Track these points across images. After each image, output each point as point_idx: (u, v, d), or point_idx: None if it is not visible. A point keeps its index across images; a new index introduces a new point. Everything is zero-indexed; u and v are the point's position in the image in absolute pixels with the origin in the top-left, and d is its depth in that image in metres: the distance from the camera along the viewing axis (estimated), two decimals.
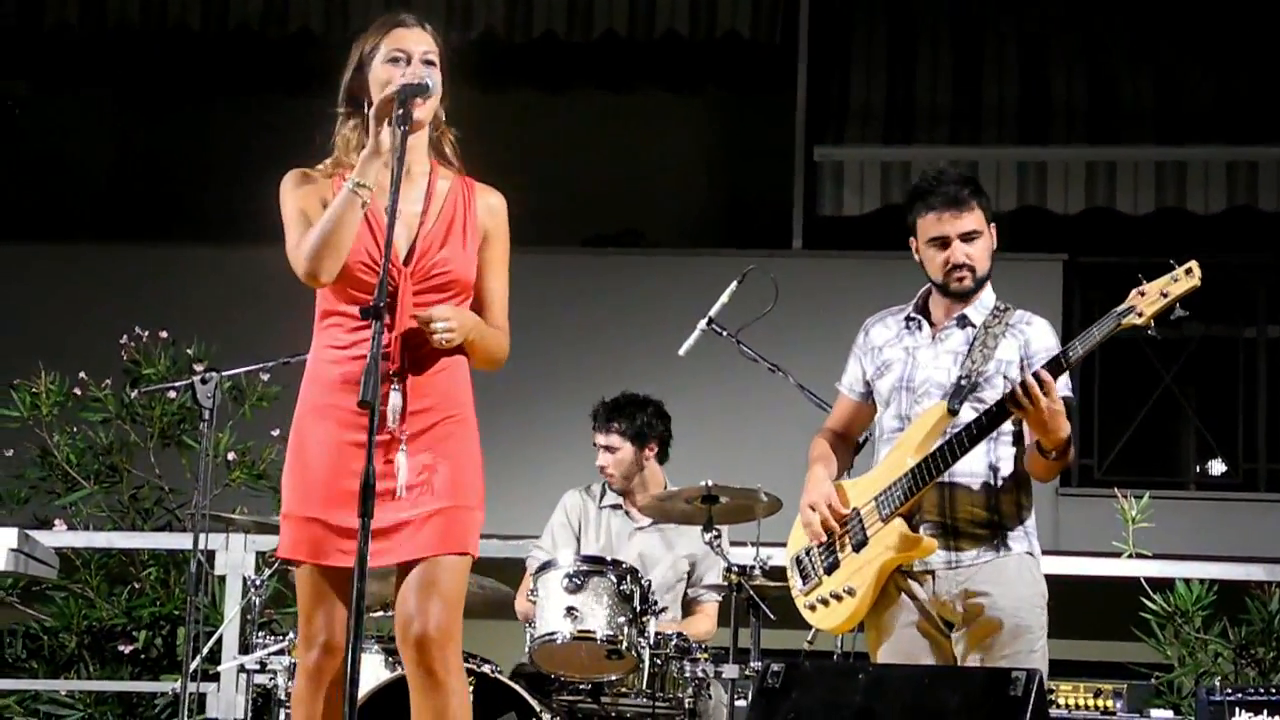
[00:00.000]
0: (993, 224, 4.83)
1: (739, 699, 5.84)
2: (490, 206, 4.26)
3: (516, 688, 5.79)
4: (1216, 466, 10.99)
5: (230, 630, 6.98)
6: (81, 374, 8.28)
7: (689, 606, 6.56)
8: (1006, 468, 4.74)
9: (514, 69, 11.63)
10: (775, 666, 4.52)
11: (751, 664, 5.78)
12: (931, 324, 4.85)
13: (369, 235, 4.08)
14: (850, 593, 4.74)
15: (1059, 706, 6.37)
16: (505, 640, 6.28)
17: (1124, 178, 11.00)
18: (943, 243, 4.77)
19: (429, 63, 4.14)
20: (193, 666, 6.42)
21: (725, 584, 5.98)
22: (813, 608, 4.85)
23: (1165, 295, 4.43)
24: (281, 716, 6.02)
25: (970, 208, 4.76)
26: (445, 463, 4.10)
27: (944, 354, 4.80)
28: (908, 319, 4.90)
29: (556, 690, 6.01)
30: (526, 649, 5.88)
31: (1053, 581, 4.85)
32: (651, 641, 5.79)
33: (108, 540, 7.87)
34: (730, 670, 5.82)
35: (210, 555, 7.06)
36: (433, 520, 4.07)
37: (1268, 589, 7.34)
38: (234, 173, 11.23)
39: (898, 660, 4.71)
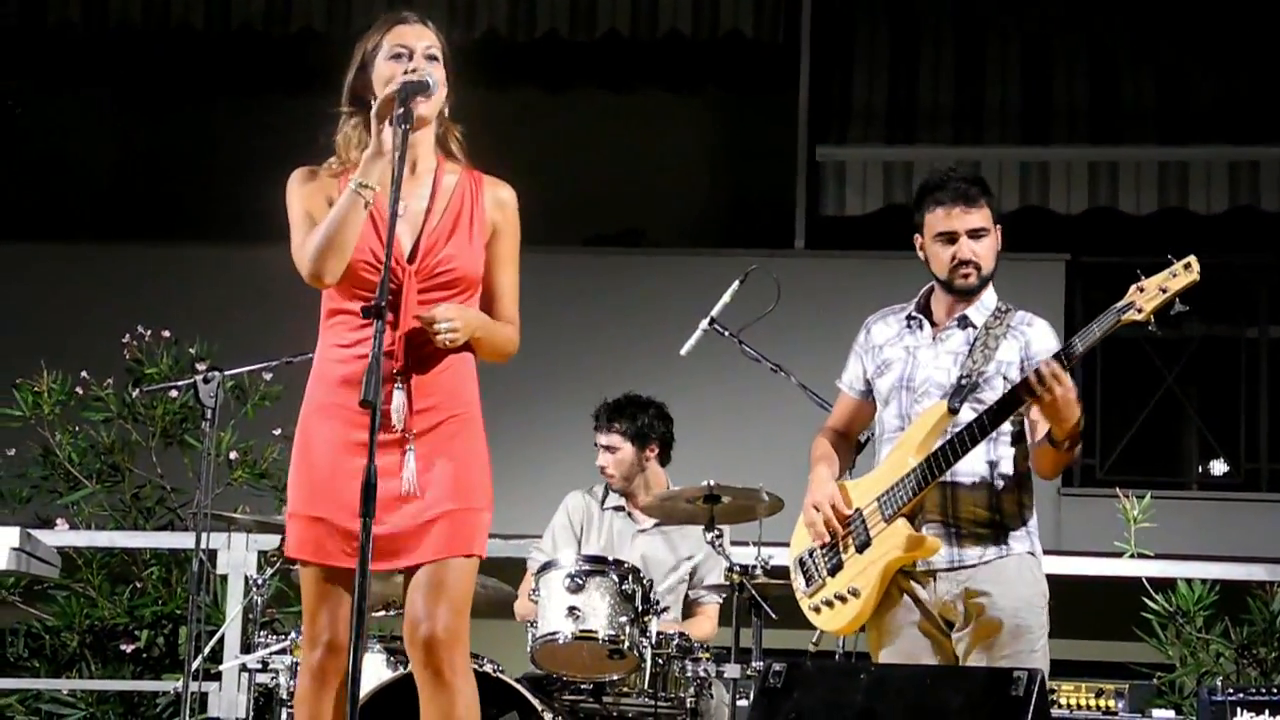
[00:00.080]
0: (999, 225, 4.84)
1: (741, 699, 5.84)
2: (499, 200, 4.24)
3: (519, 687, 5.79)
4: (1218, 466, 10.99)
5: (232, 629, 6.99)
6: (84, 373, 8.28)
7: (689, 608, 6.55)
8: (1007, 468, 4.74)
9: (516, 68, 11.63)
10: (777, 666, 4.52)
11: (753, 664, 5.77)
12: (933, 323, 4.86)
13: (373, 234, 4.06)
14: (854, 594, 4.74)
15: (1061, 706, 6.38)
16: (507, 640, 6.28)
17: (1126, 178, 11.01)
18: (950, 238, 4.77)
19: (431, 58, 4.13)
20: (194, 666, 6.42)
21: (726, 585, 5.97)
22: (817, 610, 4.85)
23: (1164, 290, 4.43)
24: (283, 716, 6.02)
25: (980, 205, 4.78)
26: (451, 463, 4.09)
27: (944, 354, 4.80)
28: (909, 318, 4.90)
29: (559, 690, 6.01)
30: (528, 649, 5.88)
31: (1054, 581, 4.85)
32: (653, 641, 5.79)
33: (110, 539, 7.88)
34: (732, 670, 5.81)
35: (212, 554, 7.07)
36: (440, 523, 4.06)
37: (1269, 589, 7.34)
38: (236, 172, 11.24)
39: (899, 660, 4.71)
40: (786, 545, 5.01)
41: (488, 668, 5.76)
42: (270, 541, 6.72)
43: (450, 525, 4.06)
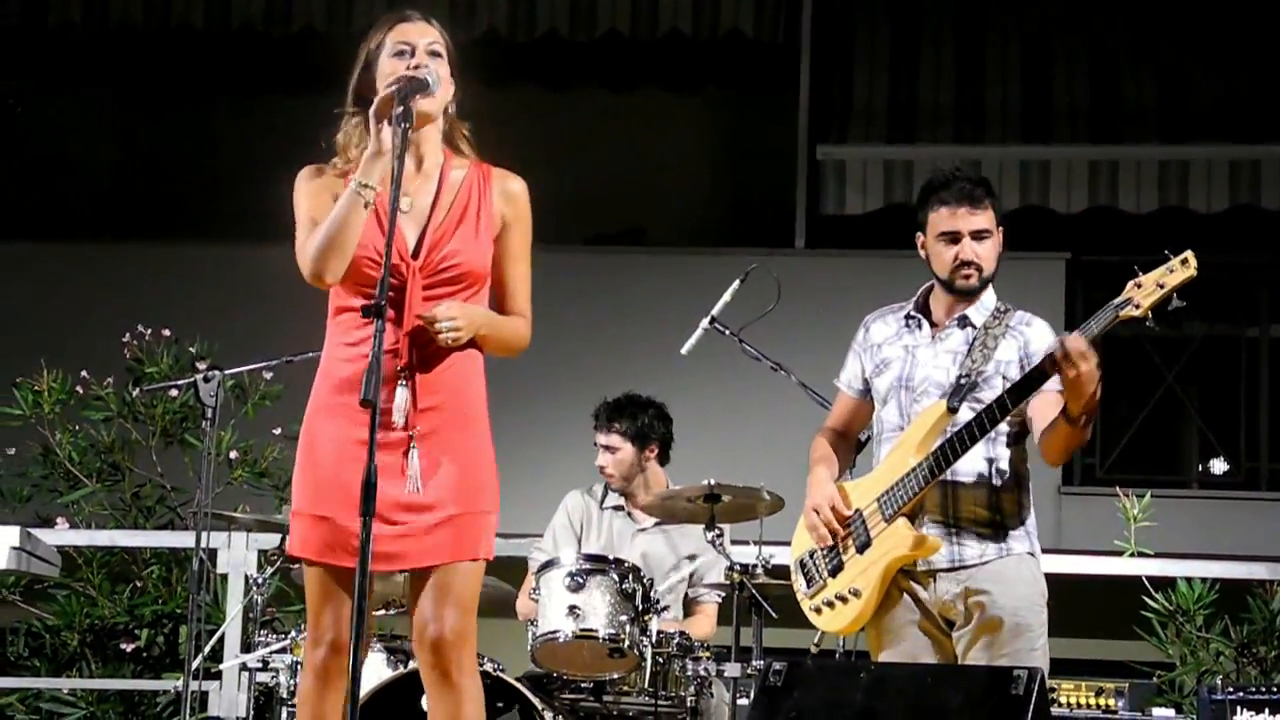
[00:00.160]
0: (1001, 228, 4.83)
1: (741, 698, 5.84)
2: (507, 192, 4.21)
3: (519, 686, 5.79)
4: (1218, 465, 10.99)
5: (232, 628, 6.99)
6: (84, 372, 8.29)
7: (689, 607, 6.55)
8: (1007, 468, 4.74)
9: (517, 68, 11.63)
10: (777, 665, 4.52)
11: (753, 662, 5.77)
12: (932, 323, 4.86)
13: (378, 231, 4.01)
14: (856, 594, 4.74)
15: (1061, 705, 6.38)
16: (508, 639, 6.28)
17: (1126, 176, 11.01)
18: (953, 238, 4.77)
19: (434, 54, 4.11)
20: (195, 665, 6.43)
21: (726, 584, 5.97)
22: (818, 610, 4.85)
23: (1162, 286, 4.41)
24: (283, 715, 6.02)
25: (984, 206, 4.77)
26: (457, 465, 4.07)
27: (943, 353, 4.80)
28: (907, 317, 4.90)
29: (559, 689, 6.01)
30: (529, 648, 5.88)
31: (1055, 580, 4.86)
32: (653, 640, 5.79)
33: (110, 538, 7.88)
34: (732, 669, 5.82)
35: (212, 553, 7.07)
36: (446, 526, 4.05)
37: (1269, 588, 7.34)
38: (237, 172, 11.26)
39: (899, 660, 4.71)
40: (787, 544, 5.01)
41: (488, 666, 5.76)
42: (270, 541, 6.72)
43: (457, 528, 4.05)
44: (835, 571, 4.79)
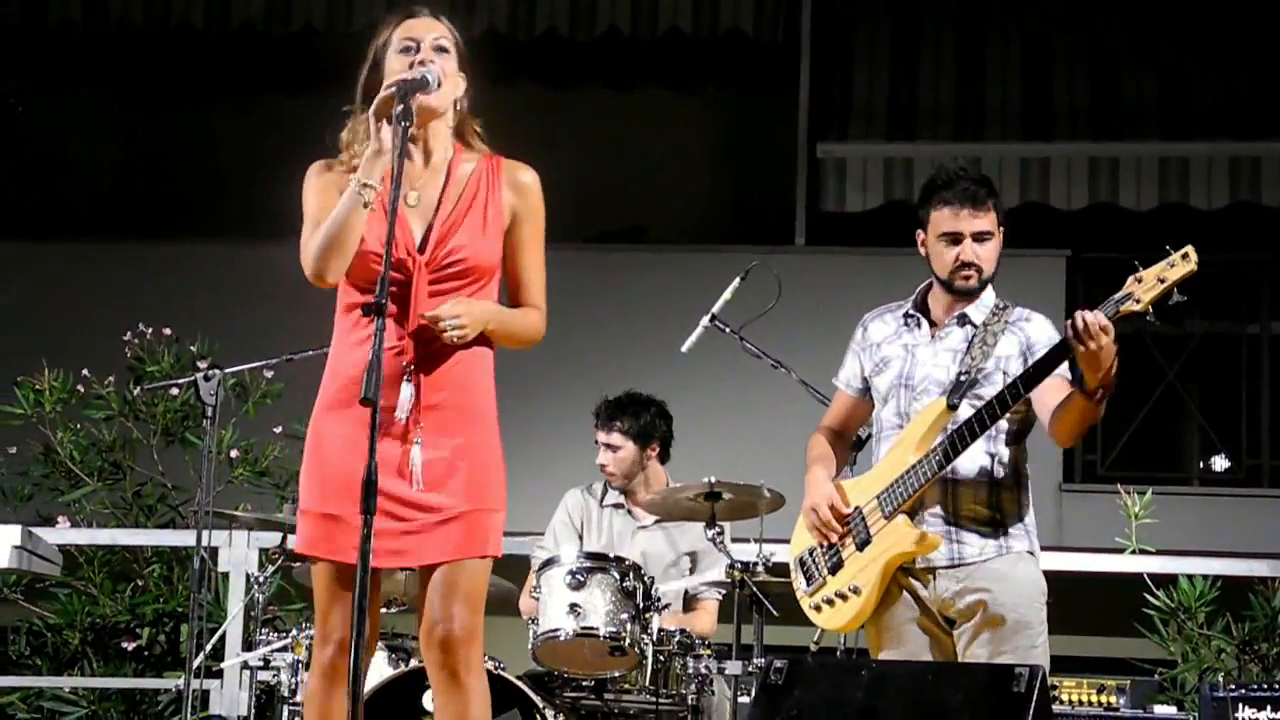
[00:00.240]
0: (1003, 228, 4.83)
1: (742, 695, 5.84)
2: (517, 184, 4.19)
3: (520, 684, 5.79)
4: (1220, 462, 10.99)
5: (233, 627, 6.99)
6: (85, 371, 8.29)
7: (689, 603, 6.55)
8: (1008, 466, 4.74)
9: (517, 67, 11.63)
10: (778, 663, 4.52)
11: (754, 660, 5.77)
12: (931, 321, 4.85)
13: (384, 228, 4.02)
14: (856, 591, 4.74)
15: (1062, 703, 6.37)
16: (509, 637, 6.28)
17: (1127, 173, 11.01)
18: (954, 239, 4.76)
19: (440, 49, 4.11)
20: (196, 663, 6.42)
21: (726, 581, 5.97)
22: (818, 608, 4.84)
23: (1162, 281, 4.40)
24: (285, 713, 6.02)
25: (987, 208, 4.76)
26: (465, 462, 4.06)
27: (943, 351, 4.80)
28: (906, 316, 4.89)
29: (560, 687, 6.01)
30: (530, 646, 5.88)
31: (1056, 577, 4.85)
32: (654, 638, 5.79)
33: (111, 537, 7.88)
34: (733, 666, 5.82)
35: (213, 552, 7.08)
36: (454, 524, 4.03)
37: (1271, 585, 7.34)
38: (237, 171, 11.27)
39: (899, 657, 4.71)
40: (787, 542, 5.00)
41: (489, 665, 5.76)
42: (271, 539, 6.72)
43: (466, 526, 4.04)
44: (835, 569, 4.79)
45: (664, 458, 6.65)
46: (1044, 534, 4.86)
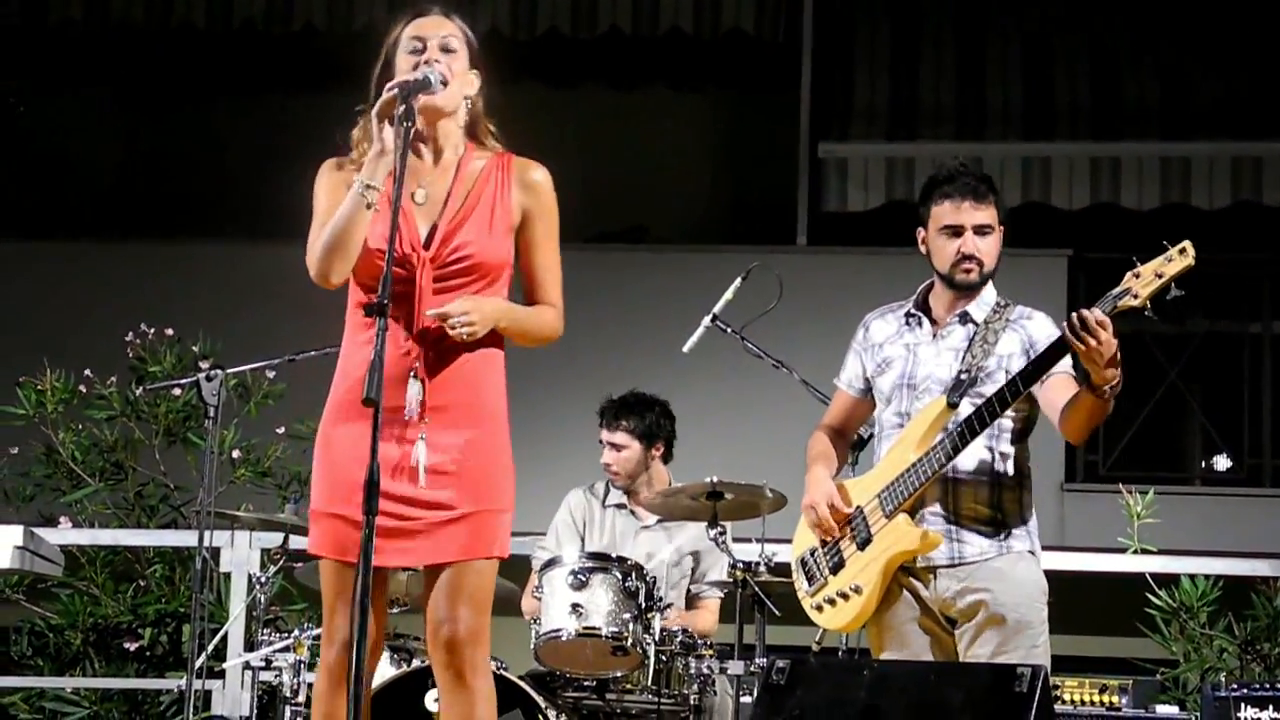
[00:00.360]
0: (1004, 227, 4.83)
1: (744, 695, 5.83)
2: (527, 182, 4.18)
3: (522, 684, 5.79)
4: (1222, 462, 10.98)
5: (235, 627, 6.99)
6: (87, 371, 8.29)
7: (691, 602, 6.56)
8: (1009, 465, 4.74)
9: (518, 66, 11.63)
10: (780, 663, 4.52)
11: (756, 660, 5.76)
12: (932, 320, 4.85)
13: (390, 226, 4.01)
14: (857, 590, 4.74)
15: (1064, 702, 6.37)
16: (511, 637, 6.28)
17: (1128, 173, 11.01)
18: (955, 231, 4.76)
19: (447, 49, 4.11)
20: (198, 664, 6.42)
21: (728, 580, 5.97)
22: (819, 608, 4.84)
23: (1160, 276, 4.39)
24: (287, 713, 6.02)
25: (988, 202, 4.77)
26: (472, 462, 4.04)
27: (945, 350, 4.79)
28: (908, 315, 4.89)
29: (562, 687, 6.01)
30: (532, 646, 5.88)
31: (1058, 577, 4.85)
32: (657, 638, 5.79)
33: (113, 537, 7.88)
34: (735, 666, 5.81)
35: (215, 552, 7.08)
36: (461, 524, 4.02)
37: (1273, 584, 7.34)
38: (238, 170, 11.27)
39: (901, 657, 4.71)
40: (789, 542, 5.00)
41: (490, 665, 5.76)
42: (273, 539, 6.72)
43: (473, 526, 4.03)
44: (836, 569, 4.79)
45: (667, 458, 6.65)
46: (1046, 534, 4.86)
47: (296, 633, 6.05)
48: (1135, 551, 7.33)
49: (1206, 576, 7.26)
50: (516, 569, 6.44)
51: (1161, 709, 6.49)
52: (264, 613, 6.38)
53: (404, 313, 4.01)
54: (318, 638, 5.88)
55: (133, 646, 7.92)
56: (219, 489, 7.12)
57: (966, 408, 4.65)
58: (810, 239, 11.14)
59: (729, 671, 5.84)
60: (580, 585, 5.76)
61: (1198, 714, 6.36)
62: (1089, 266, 10.49)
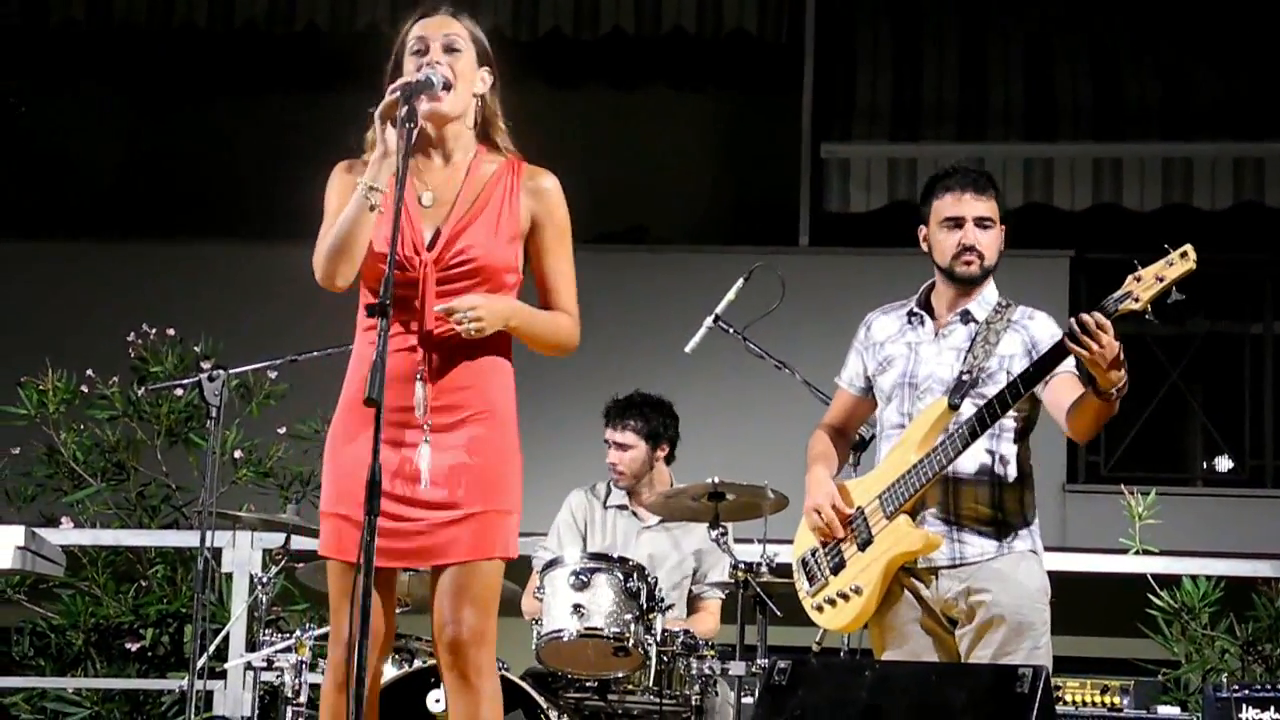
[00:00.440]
0: (1004, 226, 4.83)
1: (746, 696, 5.84)
2: (536, 189, 4.16)
3: (524, 685, 5.79)
4: (1223, 463, 10.97)
5: (237, 628, 6.99)
6: (89, 371, 8.29)
7: (693, 604, 6.56)
8: (1010, 465, 4.74)
9: (520, 66, 11.60)
10: (782, 663, 4.52)
11: (758, 661, 5.77)
12: (934, 319, 4.85)
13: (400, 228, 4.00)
14: (857, 591, 4.74)
15: (1066, 703, 6.37)
16: (512, 637, 6.28)
17: (1130, 174, 11.01)
18: (957, 223, 4.78)
19: (451, 49, 4.11)
20: (199, 664, 6.43)
21: (730, 581, 5.97)
22: (820, 609, 4.84)
23: (1161, 279, 4.39)
24: (288, 714, 6.02)
25: (989, 195, 4.79)
26: (479, 463, 4.03)
27: (947, 350, 4.79)
28: (910, 314, 4.89)
29: (563, 687, 6.01)
30: (533, 646, 5.88)
31: (1059, 578, 4.85)
32: (658, 639, 5.79)
33: (115, 538, 7.88)
34: (737, 667, 5.81)
35: (217, 553, 7.08)
36: (466, 524, 4.01)
37: (1275, 585, 7.34)
38: (240, 170, 11.27)
39: (902, 657, 4.71)
40: (791, 542, 5.00)
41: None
42: (275, 540, 6.71)
43: (478, 527, 4.02)
44: (837, 569, 4.79)
45: (670, 459, 6.65)
46: (1047, 534, 4.86)
47: (298, 633, 6.05)
48: (1137, 552, 7.33)
49: (1208, 577, 7.26)
50: (517, 569, 6.42)
51: (1163, 710, 6.49)
52: (265, 613, 6.38)
53: (408, 314, 4.00)
54: (319, 638, 5.90)
55: (134, 647, 7.92)
56: (221, 489, 7.11)
57: (968, 409, 4.65)
58: (812, 239, 11.14)
59: (730, 672, 5.85)
60: (582, 586, 5.76)
61: (1199, 715, 6.37)
62: (1091, 267, 10.49)
